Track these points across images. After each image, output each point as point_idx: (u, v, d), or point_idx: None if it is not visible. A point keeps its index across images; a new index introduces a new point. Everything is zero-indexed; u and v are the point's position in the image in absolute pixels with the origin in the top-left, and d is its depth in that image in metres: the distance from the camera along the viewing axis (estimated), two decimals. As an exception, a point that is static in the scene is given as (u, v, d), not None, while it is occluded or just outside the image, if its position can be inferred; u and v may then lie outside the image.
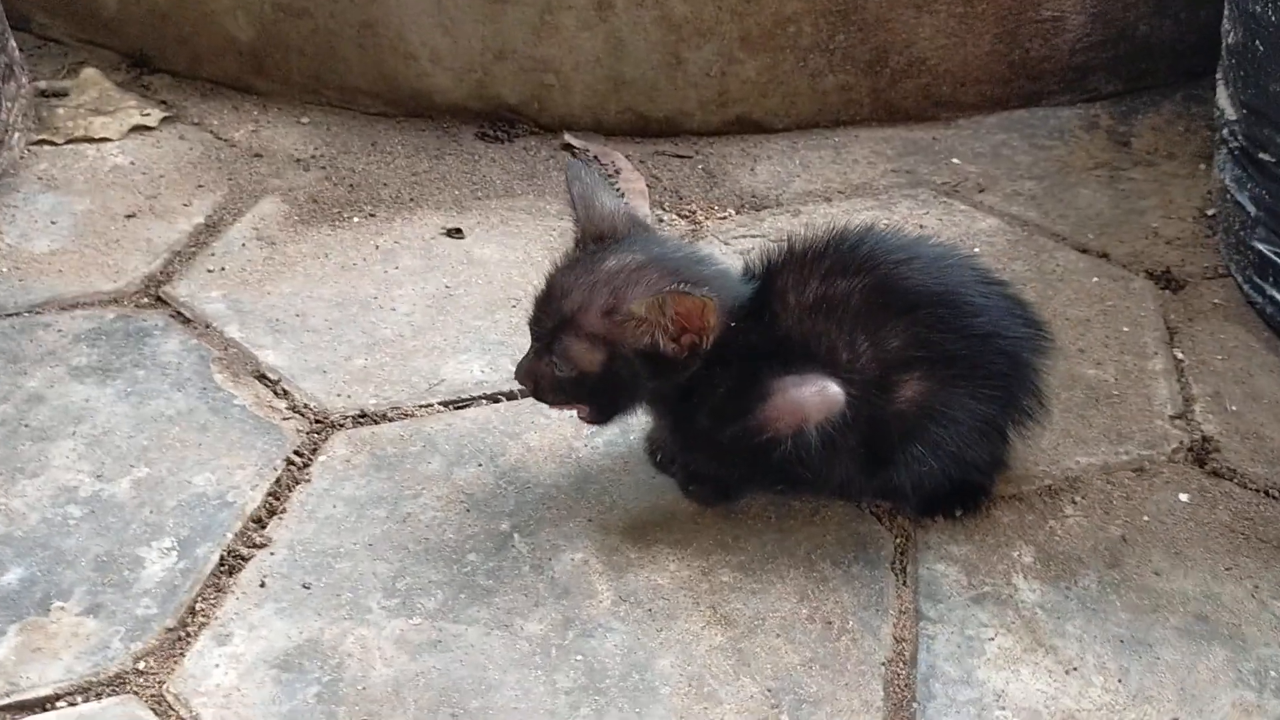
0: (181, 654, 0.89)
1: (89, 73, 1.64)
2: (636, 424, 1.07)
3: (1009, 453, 1.04)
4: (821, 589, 0.96)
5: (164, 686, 0.86)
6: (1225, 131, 1.34)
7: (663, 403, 0.96)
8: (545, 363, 0.92)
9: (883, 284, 0.93)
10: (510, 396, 1.14)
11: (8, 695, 0.86)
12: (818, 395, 0.90)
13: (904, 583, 0.97)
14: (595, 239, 0.95)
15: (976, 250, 1.36)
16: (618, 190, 1.46)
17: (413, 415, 1.12)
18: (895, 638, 0.92)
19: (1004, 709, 0.87)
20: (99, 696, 0.86)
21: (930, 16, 1.52)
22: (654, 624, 0.92)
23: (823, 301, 0.93)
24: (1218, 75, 1.36)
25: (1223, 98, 1.35)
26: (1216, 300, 1.31)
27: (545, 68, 1.53)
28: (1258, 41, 1.23)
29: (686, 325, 0.89)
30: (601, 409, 0.94)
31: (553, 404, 0.96)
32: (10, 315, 1.22)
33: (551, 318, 0.91)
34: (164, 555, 0.96)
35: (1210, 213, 1.43)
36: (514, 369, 0.95)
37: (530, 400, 1.10)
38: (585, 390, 0.92)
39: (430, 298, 1.27)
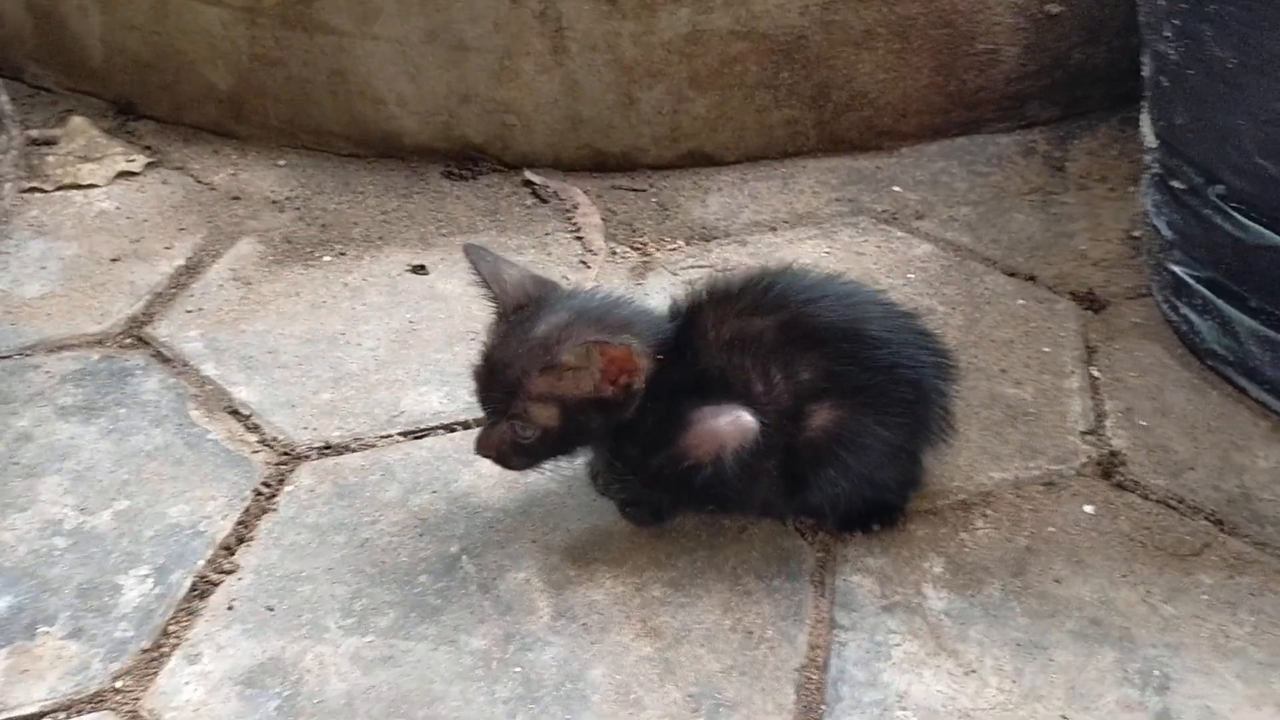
0: (155, 673, 0.97)
1: (77, 121, 1.73)
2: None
3: (922, 473, 1.12)
4: (745, 601, 1.04)
5: (139, 703, 0.95)
6: (1148, 158, 1.42)
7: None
8: (504, 430, 0.99)
9: (794, 321, 1.01)
10: (465, 426, 1.22)
11: (-2, 713, 0.95)
12: (732, 424, 0.98)
13: (822, 594, 1.05)
14: (514, 309, 1.02)
15: (910, 275, 1.44)
16: (574, 225, 1.54)
17: (374, 446, 1.20)
18: (810, 645, 1.00)
19: (905, 709, 0.95)
20: (80, 713, 0.95)
21: (869, 53, 1.61)
22: (588, 637, 1.00)
23: (739, 338, 1.01)
24: (1142, 103, 1.44)
25: (1145, 125, 1.42)
26: (1136, 319, 1.38)
27: (507, 109, 1.62)
28: (1163, 77, 1.30)
29: (621, 369, 0.97)
30: (567, 454, 1.03)
31: (518, 468, 1.03)
32: (2, 358, 1.31)
33: (499, 389, 0.98)
34: (141, 582, 1.05)
35: (1136, 234, 1.51)
36: (474, 445, 1.01)
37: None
38: (549, 445, 1.00)
39: (394, 333, 1.36)
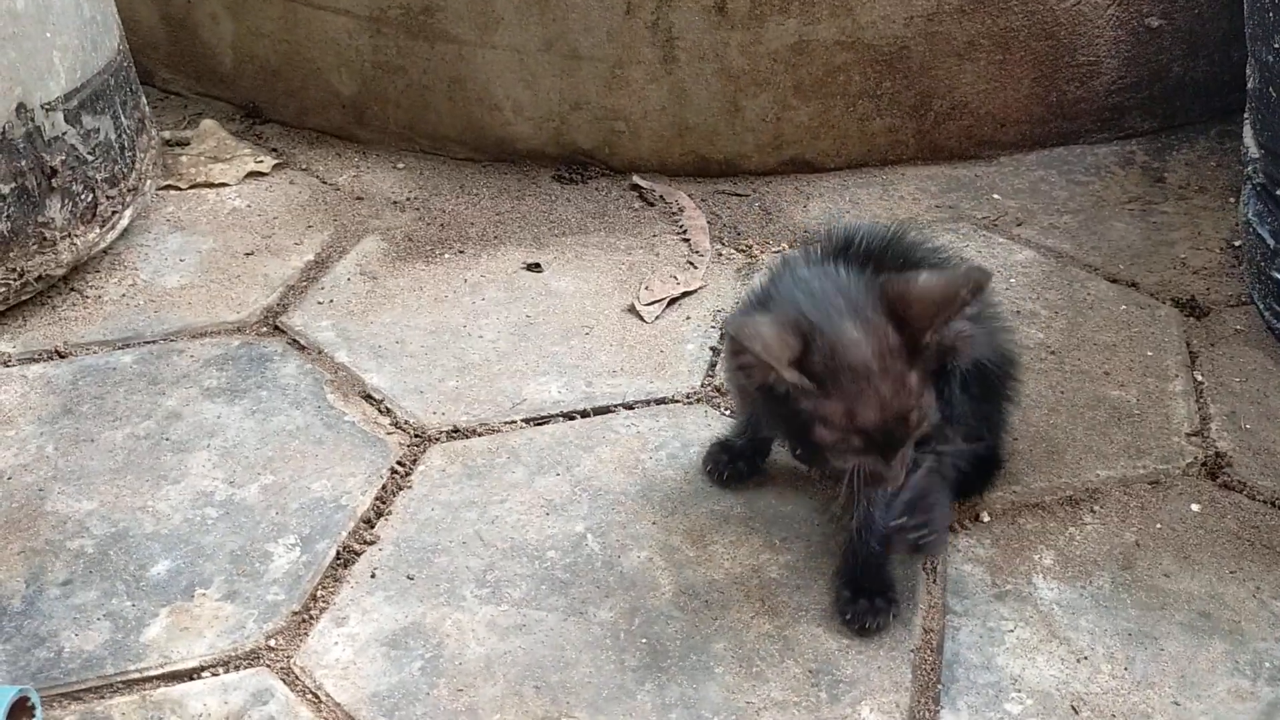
0: (306, 633, 1.04)
1: (207, 123, 1.83)
2: (696, 439, 1.22)
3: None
4: (859, 585, 1.08)
5: (291, 660, 1.02)
6: (1250, 168, 1.43)
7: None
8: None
9: None
10: (584, 414, 1.28)
11: (162, 666, 1.02)
12: None
13: (934, 581, 1.09)
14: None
15: (1012, 280, 1.47)
16: (681, 227, 1.60)
17: (499, 431, 1.26)
18: (924, 629, 1.04)
19: (1019, 691, 0.98)
20: (237, 669, 1.02)
21: (971, 64, 1.64)
22: (709, 613, 1.05)
23: None
24: (1245, 114, 1.46)
25: (1248, 136, 1.44)
26: (1239, 327, 1.40)
27: (616, 116, 1.68)
28: (1270, 88, 1.33)
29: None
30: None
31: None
32: (149, 343, 1.40)
33: None
34: (289, 550, 1.12)
35: (1237, 244, 1.53)
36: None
37: (600, 418, 1.25)
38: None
39: (513, 326, 1.42)
